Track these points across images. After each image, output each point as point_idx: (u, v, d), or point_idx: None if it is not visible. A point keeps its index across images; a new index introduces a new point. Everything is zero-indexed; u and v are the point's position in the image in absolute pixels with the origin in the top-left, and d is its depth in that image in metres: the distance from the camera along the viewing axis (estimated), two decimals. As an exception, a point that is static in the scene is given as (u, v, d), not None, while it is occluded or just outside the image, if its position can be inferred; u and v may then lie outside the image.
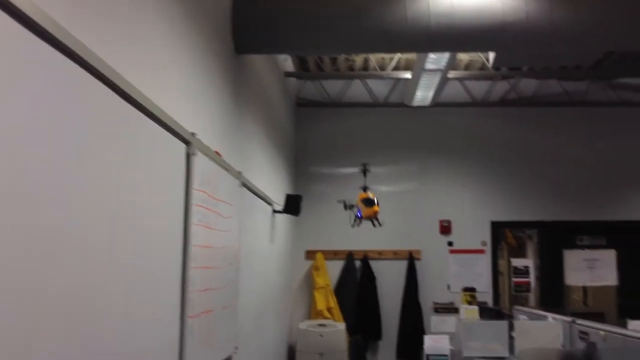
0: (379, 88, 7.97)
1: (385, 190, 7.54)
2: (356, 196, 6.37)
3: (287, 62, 7.05)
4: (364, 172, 6.53)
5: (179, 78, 2.91)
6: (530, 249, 7.99)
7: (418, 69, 6.32)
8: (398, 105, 7.79)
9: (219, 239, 3.24)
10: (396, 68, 7.12)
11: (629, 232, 7.50)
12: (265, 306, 5.34)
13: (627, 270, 7.36)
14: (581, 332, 4.24)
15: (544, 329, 4.52)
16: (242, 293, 3.97)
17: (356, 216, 6.41)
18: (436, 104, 7.51)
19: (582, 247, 7.51)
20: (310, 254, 7.73)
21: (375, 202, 6.00)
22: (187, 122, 2.85)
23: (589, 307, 7.41)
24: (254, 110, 4.86)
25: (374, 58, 7.13)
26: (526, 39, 4.27)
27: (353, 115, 7.95)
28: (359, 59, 7.25)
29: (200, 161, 2.87)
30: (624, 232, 7.52)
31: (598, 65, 7.17)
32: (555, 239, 7.49)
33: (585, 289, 7.74)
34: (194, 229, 2.73)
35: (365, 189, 6.41)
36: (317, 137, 7.96)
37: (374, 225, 6.21)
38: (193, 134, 2.83)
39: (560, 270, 7.41)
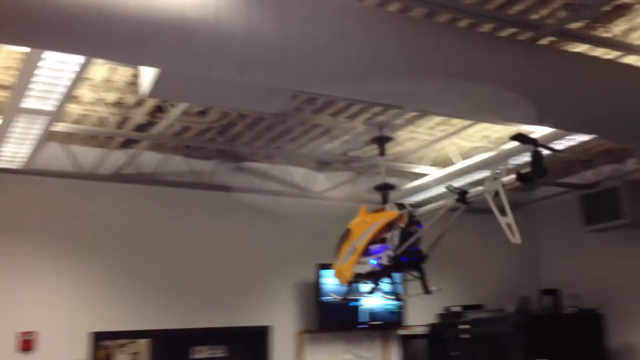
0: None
1: None
2: None
3: None
4: None
5: None
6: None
7: (12, 107, 4.29)
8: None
9: None
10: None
11: (248, 338, 6.57)
12: None
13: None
14: None
15: None
16: None
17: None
18: (28, 170, 5.46)
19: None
20: None
21: None
22: None
23: None
24: None
25: None
26: (212, 51, 2.90)
27: None
28: None
29: None
30: (244, 339, 6.57)
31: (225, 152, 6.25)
32: (168, 350, 6.09)
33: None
34: None
35: None
36: None
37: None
38: None
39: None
